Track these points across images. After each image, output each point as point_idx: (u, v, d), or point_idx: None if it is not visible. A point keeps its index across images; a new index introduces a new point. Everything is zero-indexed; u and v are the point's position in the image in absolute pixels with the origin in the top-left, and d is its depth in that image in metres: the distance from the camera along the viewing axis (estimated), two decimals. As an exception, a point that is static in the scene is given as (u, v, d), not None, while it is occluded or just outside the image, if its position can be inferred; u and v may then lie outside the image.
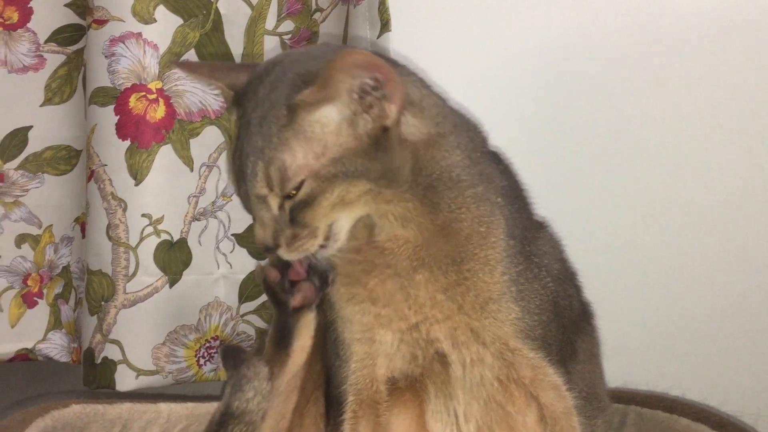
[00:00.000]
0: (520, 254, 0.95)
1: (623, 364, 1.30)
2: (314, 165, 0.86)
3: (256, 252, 1.41)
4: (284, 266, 0.97)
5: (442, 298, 0.93)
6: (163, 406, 1.21)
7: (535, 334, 0.95)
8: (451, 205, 0.93)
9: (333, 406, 1.04)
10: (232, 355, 0.98)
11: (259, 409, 0.94)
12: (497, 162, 1.02)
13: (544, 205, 1.33)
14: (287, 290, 0.96)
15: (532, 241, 0.99)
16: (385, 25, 1.29)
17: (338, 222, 0.91)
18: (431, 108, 0.95)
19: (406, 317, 0.95)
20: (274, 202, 0.88)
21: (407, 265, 0.93)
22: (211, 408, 1.23)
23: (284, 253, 0.90)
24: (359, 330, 0.97)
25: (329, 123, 0.87)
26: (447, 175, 0.93)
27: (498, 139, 1.34)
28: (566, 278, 1.05)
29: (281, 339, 0.99)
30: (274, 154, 0.86)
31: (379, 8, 1.29)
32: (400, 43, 1.29)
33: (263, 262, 1.00)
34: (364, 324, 0.97)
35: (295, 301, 0.96)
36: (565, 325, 1.01)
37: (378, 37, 1.30)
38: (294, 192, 0.87)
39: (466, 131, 0.99)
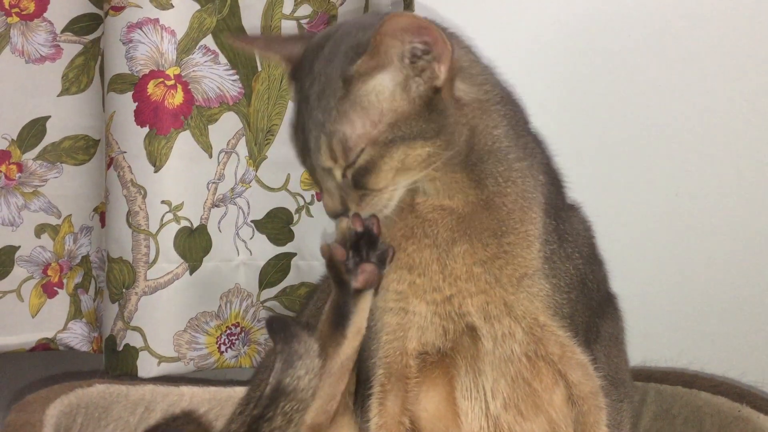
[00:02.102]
0: (555, 232, 0.96)
1: (643, 342, 1.30)
2: (372, 132, 0.88)
3: (276, 238, 1.41)
4: (351, 245, 0.96)
5: (480, 270, 0.93)
6: (186, 390, 1.20)
7: (563, 312, 0.95)
8: (498, 179, 0.94)
9: (361, 383, 1.03)
10: (281, 327, 0.95)
11: (309, 387, 0.92)
12: (536, 137, 1.03)
13: (566, 183, 1.35)
14: (351, 270, 0.95)
15: (566, 221, 1.00)
16: (408, 5, 1.29)
17: (399, 186, 0.91)
18: (480, 75, 0.96)
19: (440, 289, 0.95)
20: (338, 172, 0.90)
21: (447, 237, 0.94)
22: (233, 392, 1.23)
23: (356, 210, 0.92)
24: (393, 299, 0.97)
25: (383, 90, 0.88)
26: (497, 146, 0.94)
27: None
28: (595, 261, 1.05)
29: (339, 319, 0.97)
30: (335, 126, 0.88)
31: (403, -7, 1.28)
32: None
33: (330, 241, 0.99)
34: (398, 292, 0.97)
35: (358, 282, 0.94)
36: (591, 307, 1.01)
37: (401, 18, 1.29)
38: (354, 161, 0.88)
39: (513, 104, 0.99)
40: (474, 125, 0.93)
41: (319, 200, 1.41)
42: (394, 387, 0.98)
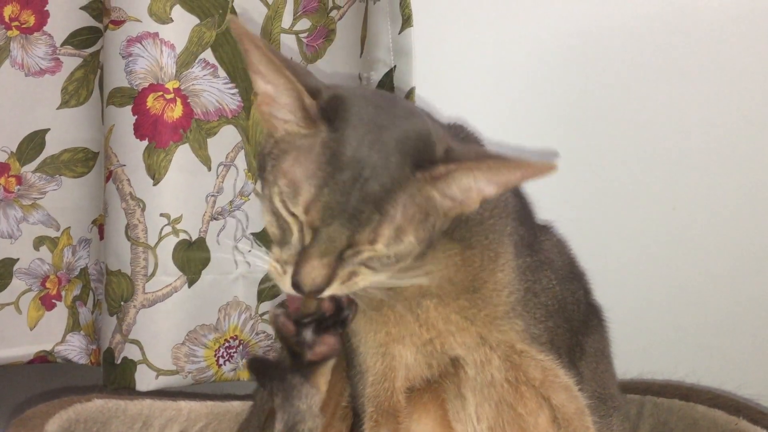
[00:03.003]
0: (528, 270, 0.95)
1: (640, 355, 1.31)
2: (419, 227, 0.81)
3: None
4: (303, 322, 0.90)
5: (456, 317, 0.93)
6: (184, 404, 1.20)
7: (542, 340, 0.95)
8: (464, 236, 0.91)
9: (355, 416, 1.02)
10: (266, 370, 0.90)
11: None
12: None
13: (561, 200, 1.35)
14: (303, 344, 0.88)
15: (539, 250, 0.99)
16: (407, 21, 1.29)
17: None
18: None
19: (419, 334, 0.94)
20: (352, 250, 0.79)
21: (415, 291, 0.91)
22: (230, 407, 1.23)
23: (330, 292, 0.81)
24: (372, 346, 0.95)
25: (438, 197, 0.82)
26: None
27: (518, 133, 1.36)
28: (573, 279, 1.04)
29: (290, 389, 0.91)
30: (395, 211, 0.78)
31: (400, 3, 1.28)
32: (422, 39, 1.29)
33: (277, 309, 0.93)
34: (377, 341, 0.95)
35: (315, 356, 0.88)
36: (573, 327, 1.00)
37: (399, 33, 1.30)
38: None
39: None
40: None
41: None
42: (385, 421, 0.96)
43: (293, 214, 0.80)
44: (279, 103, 0.84)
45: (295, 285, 0.79)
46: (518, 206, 0.99)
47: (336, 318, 0.88)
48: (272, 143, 0.85)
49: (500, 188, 0.82)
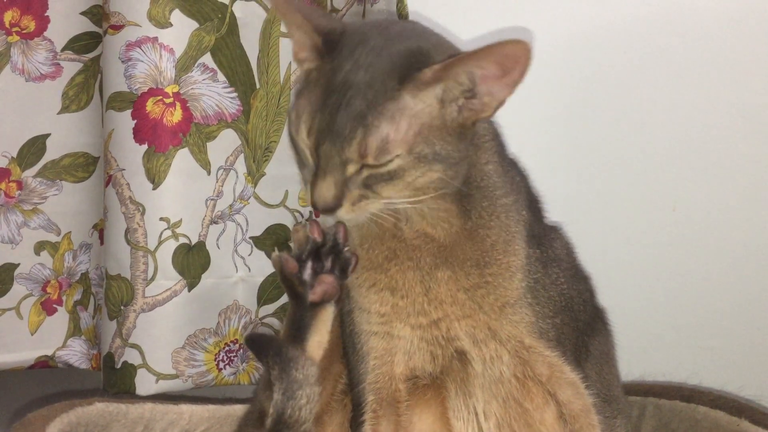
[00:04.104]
0: (538, 261, 0.97)
1: (641, 356, 1.31)
2: (411, 142, 0.85)
3: (274, 255, 1.41)
4: (302, 259, 0.93)
5: (464, 297, 0.94)
6: (185, 408, 1.20)
7: (549, 336, 0.96)
8: (483, 213, 0.94)
9: (355, 407, 1.02)
10: (263, 344, 0.92)
11: (311, 416, 0.90)
12: (520, 171, 1.04)
13: (561, 201, 1.35)
14: (305, 283, 0.92)
15: (549, 247, 1.00)
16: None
17: (398, 202, 0.88)
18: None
19: (426, 312, 0.94)
20: (353, 167, 0.85)
21: (430, 261, 0.93)
22: (231, 410, 1.23)
23: (344, 213, 0.87)
24: (377, 321, 0.96)
25: (435, 105, 0.86)
26: (485, 182, 0.94)
27: (519, 136, 1.35)
28: (580, 280, 1.06)
29: (297, 333, 0.94)
30: (379, 123, 0.84)
31: (397, 6, 1.29)
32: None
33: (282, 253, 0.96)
34: (381, 315, 0.96)
35: (315, 295, 0.92)
36: (579, 327, 1.01)
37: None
38: (381, 163, 0.85)
39: (499, 137, 1.00)
40: (473, 161, 0.93)
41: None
42: (386, 412, 0.97)
43: (302, 141, 0.88)
44: (300, 43, 0.93)
45: (312, 202, 0.87)
46: (530, 198, 1.01)
47: (333, 250, 0.90)
48: (300, 84, 0.93)
49: (503, 77, 0.85)
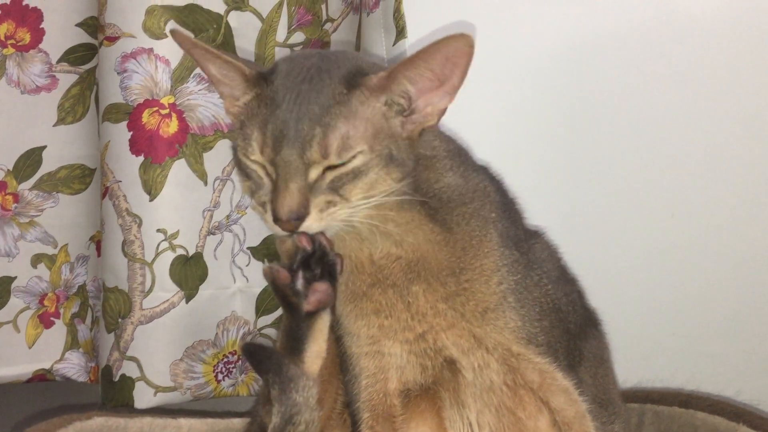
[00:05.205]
0: (518, 263, 0.96)
1: (639, 363, 1.31)
2: (371, 141, 0.87)
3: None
4: (293, 269, 0.91)
5: (444, 306, 0.93)
6: (183, 422, 1.20)
7: (538, 340, 0.95)
8: (448, 221, 0.94)
9: (353, 424, 1.01)
10: (262, 358, 0.90)
11: None
12: (489, 177, 1.04)
13: (560, 207, 1.35)
14: (298, 293, 0.90)
15: (529, 249, 1.00)
16: (401, 32, 1.29)
17: (360, 206, 0.89)
18: (430, 133, 0.97)
19: (411, 327, 0.94)
20: (315, 171, 0.86)
21: (402, 277, 0.93)
22: (230, 424, 1.23)
23: (313, 222, 0.86)
24: (366, 343, 0.96)
25: (382, 114, 0.89)
26: (448, 192, 0.95)
27: (514, 141, 1.36)
28: (567, 283, 1.05)
29: (295, 345, 0.91)
30: (335, 122, 0.86)
31: (394, 15, 1.28)
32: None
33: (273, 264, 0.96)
34: (370, 336, 0.96)
35: (310, 305, 0.89)
36: (570, 331, 1.01)
37: (393, 45, 1.30)
38: (344, 162, 0.86)
39: (458, 153, 1.00)
40: (432, 172, 0.95)
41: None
42: (383, 428, 0.97)
43: (255, 161, 0.88)
44: (229, 91, 0.95)
45: (276, 217, 0.85)
46: (502, 201, 1.01)
47: (323, 258, 0.89)
48: (240, 118, 0.93)
49: (441, 86, 0.89)
